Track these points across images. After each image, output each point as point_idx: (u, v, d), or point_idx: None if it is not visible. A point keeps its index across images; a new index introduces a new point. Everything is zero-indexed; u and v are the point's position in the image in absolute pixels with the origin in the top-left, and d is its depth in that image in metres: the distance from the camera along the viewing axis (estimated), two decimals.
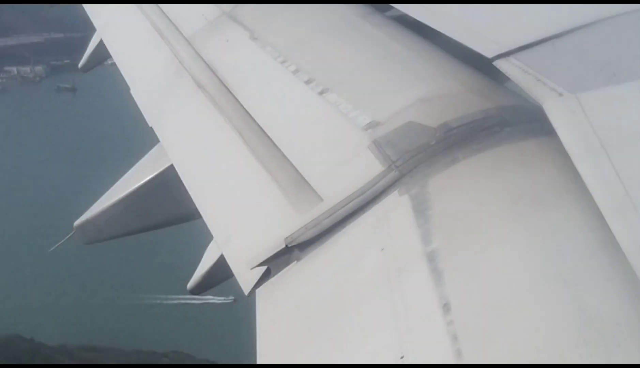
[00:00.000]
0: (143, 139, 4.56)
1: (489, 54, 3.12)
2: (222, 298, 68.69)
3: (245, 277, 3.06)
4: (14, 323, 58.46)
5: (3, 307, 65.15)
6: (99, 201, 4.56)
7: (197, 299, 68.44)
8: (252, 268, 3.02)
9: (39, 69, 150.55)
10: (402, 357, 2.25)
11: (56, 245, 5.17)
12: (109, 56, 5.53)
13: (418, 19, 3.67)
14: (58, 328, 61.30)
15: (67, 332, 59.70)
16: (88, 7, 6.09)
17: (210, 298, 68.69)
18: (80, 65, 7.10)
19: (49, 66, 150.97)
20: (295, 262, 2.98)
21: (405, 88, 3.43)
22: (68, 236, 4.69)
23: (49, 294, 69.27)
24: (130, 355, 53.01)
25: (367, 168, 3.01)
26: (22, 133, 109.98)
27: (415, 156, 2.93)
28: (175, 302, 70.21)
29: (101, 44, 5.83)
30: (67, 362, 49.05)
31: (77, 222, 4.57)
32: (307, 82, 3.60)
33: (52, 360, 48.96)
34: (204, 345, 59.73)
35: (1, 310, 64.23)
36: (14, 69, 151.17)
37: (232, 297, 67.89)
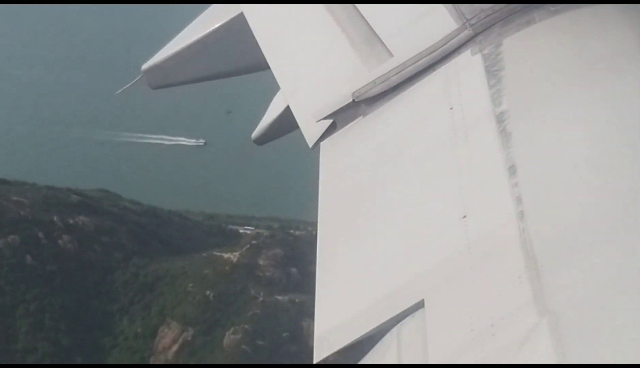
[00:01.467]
0: None
1: None
2: (194, 140, 71.64)
3: (310, 129, 3.07)
4: None
5: None
6: (167, 46, 4.51)
7: (168, 140, 71.14)
8: (317, 121, 3.04)
9: None
10: (464, 217, 2.28)
11: (124, 88, 5.17)
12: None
13: None
14: None
15: None
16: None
17: (182, 140, 71.61)
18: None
19: None
20: (361, 116, 2.99)
21: None
22: (136, 79, 4.68)
23: None
24: (40, 190, 54.18)
25: (441, 25, 2.95)
26: None
27: (491, 15, 2.86)
28: (144, 141, 71.88)
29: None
30: None
31: (144, 66, 4.56)
32: None
33: None
34: (133, 186, 61.38)
35: None
36: None
37: (203, 140, 71.55)
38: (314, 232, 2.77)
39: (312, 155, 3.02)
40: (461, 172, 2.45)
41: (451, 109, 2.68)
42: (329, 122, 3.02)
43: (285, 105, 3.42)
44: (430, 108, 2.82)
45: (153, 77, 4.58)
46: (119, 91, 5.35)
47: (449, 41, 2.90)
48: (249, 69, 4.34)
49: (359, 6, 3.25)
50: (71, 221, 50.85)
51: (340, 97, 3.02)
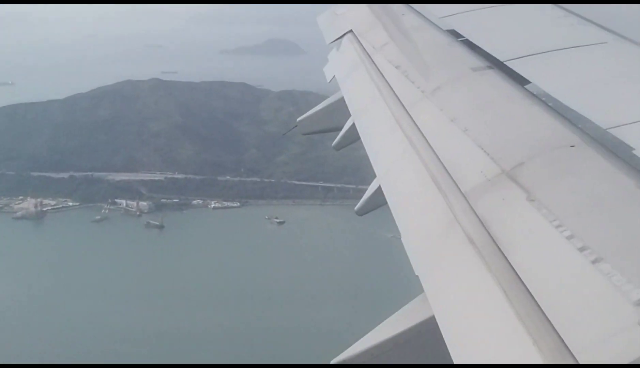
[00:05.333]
0: None
1: None
2: None
3: None
4: None
5: None
6: (358, 342, 4.68)
7: None
8: None
9: (143, 204, 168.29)
10: None
11: None
12: (384, 202, 5.74)
13: None
14: None
15: None
16: (372, 157, 6.39)
17: None
18: (356, 208, 7.57)
19: (155, 203, 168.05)
20: None
21: None
22: None
23: None
24: None
25: (635, 344, 2.90)
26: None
27: None
28: None
29: (379, 190, 6.09)
30: None
31: (334, 361, 4.76)
32: (581, 250, 3.54)
33: None
34: None
35: None
36: (123, 202, 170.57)
37: None
38: None
39: None
40: None
41: None
42: None
43: None
44: None
45: None
46: None
47: None
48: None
49: (551, 318, 3.26)
50: None
51: None
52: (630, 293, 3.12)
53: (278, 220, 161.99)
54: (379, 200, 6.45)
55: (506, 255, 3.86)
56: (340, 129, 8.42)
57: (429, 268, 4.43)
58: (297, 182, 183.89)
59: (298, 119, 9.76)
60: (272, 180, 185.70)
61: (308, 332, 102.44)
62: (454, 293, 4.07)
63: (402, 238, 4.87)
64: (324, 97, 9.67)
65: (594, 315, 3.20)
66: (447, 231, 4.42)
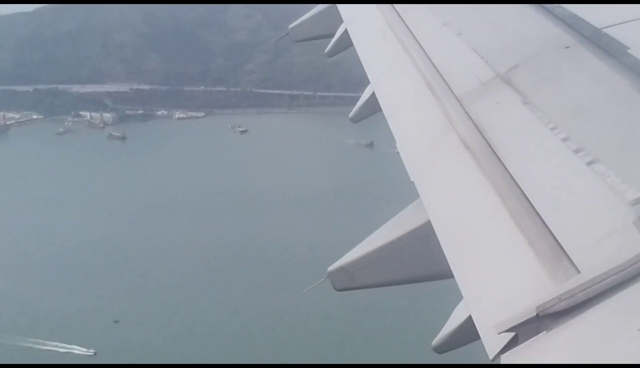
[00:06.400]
0: None
1: None
2: (85, 349, 77.94)
3: (491, 340, 3.05)
4: None
5: None
6: (354, 249, 4.75)
7: (62, 347, 77.87)
8: (499, 333, 3.03)
9: (107, 116, 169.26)
10: None
11: (308, 289, 5.47)
12: (378, 109, 5.72)
13: None
14: None
15: None
16: (366, 63, 6.31)
17: (75, 349, 78.03)
18: (350, 115, 7.54)
19: (119, 115, 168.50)
20: (544, 332, 2.94)
21: None
22: (321, 281, 4.91)
23: None
24: None
25: (630, 245, 2.90)
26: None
27: None
28: (41, 347, 78.05)
29: (373, 97, 6.05)
30: None
31: (330, 268, 4.79)
32: (576, 151, 3.54)
33: None
34: None
35: None
36: (87, 114, 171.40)
37: (93, 351, 77.65)
38: None
39: None
40: None
41: (639, 330, 2.62)
42: (511, 334, 3.01)
43: (468, 315, 3.44)
44: (617, 329, 2.74)
45: (339, 280, 4.79)
46: (304, 291, 5.72)
47: (638, 262, 2.85)
48: (434, 276, 4.44)
49: (547, 220, 3.29)
50: None
51: (523, 310, 3.00)
52: (625, 194, 3.13)
53: (241, 129, 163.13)
54: (372, 107, 6.42)
55: (501, 159, 3.86)
56: (332, 35, 8.32)
57: (425, 173, 4.43)
58: (263, 91, 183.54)
59: (290, 26, 9.62)
60: (238, 89, 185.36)
61: (273, 239, 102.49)
62: (449, 197, 4.09)
63: (397, 145, 4.86)
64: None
65: (589, 216, 3.22)
66: (442, 136, 4.41)
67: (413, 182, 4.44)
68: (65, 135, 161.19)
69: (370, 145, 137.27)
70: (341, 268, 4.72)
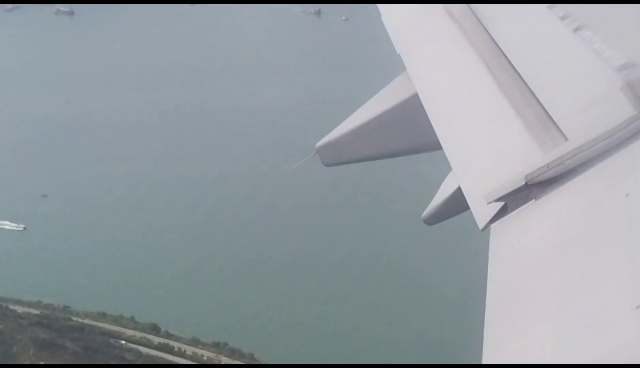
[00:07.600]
0: None
1: None
2: (15, 225, 77.62)
3: (480, 211, 3.08)
4: None
5: None
6: (341, 124, 4.70)
7: None
8: (489, 203, 3.05)
9: None
10: (638, 307, 2.24)
11: (297, 165, 5.41)
12: None
13: None
14: None
15: None
16: None
17: (6, 224, 77.62)
18: None
19: None
20: (533, 200, 2.97)
21: None
22: (309, 157, 4.88)
23: None
24: None
25: (618, 110, 2.90)
26: None
27: None
28: None
29: None
30: None
31: (318, 144, 4.75)
32: (562, 18, 3.48)
33: None
34: None
35: None
36: None
37: (23, 226, 77.45)
38: None
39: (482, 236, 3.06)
40: (636, 262, 2.41)
41: (627, 195, 2.64)
42: (500, 204, 3.03)
43: (457, 186, 3.46)
44: (605, 194, 2.77)
45: (327, 155, 4.76)
46: (293, 167, 5.67)
47: (625, 127, 2.85)
48: (422, 149, 4.43)
49: (534, 88, 3.27)
50: None
51: (512, 179, 3.03)
52: (612, 59, 3.11)
53: None
54: None
55: (487, 28, 3.81)
56: None
57: (410, 46, 4.37)
58: None
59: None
60: None
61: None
62: (436, 68, 4.05)
63: (382, 17, 4.76)
64: None
65: (576, 83, 3.20)
66: (427, 7, 4.33)
67: (398, 54, 4.39)
68: (14, 11, 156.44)
69: (318, 12, 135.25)
70: (329, 144, 4.70)
